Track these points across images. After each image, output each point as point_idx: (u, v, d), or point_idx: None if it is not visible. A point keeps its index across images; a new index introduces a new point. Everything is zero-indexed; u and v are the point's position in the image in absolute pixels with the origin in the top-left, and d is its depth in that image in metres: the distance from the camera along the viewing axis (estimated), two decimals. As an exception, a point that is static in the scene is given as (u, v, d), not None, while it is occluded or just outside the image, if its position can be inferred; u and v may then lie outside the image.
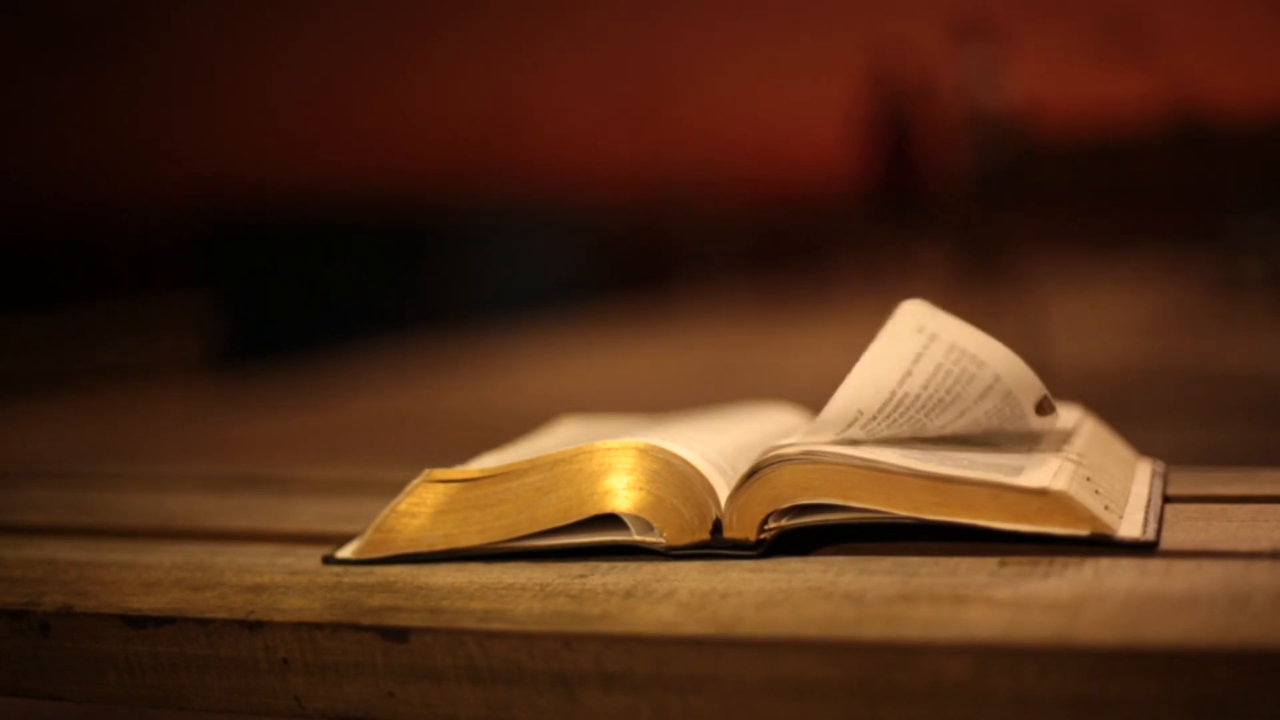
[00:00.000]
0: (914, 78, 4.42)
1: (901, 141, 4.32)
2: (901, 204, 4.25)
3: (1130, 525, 0.56)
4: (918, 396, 0.57)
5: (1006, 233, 4.18)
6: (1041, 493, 0.54)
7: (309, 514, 0.73)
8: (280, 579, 0.59)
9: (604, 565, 0.57)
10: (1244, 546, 0.53)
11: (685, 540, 0.57)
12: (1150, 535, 0.54)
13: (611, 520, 0.59)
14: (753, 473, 0.56)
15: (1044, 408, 0.60)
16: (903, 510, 0.55)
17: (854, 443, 0.57)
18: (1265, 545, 0.53)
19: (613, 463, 0.58)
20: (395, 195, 7.63)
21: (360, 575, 0.59)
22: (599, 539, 0.59)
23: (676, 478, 0.57)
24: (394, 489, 0.62)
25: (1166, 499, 0.61)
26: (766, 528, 0.57)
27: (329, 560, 0.61)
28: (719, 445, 0.62)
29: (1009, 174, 4.15)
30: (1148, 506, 0.59)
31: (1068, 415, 0.70)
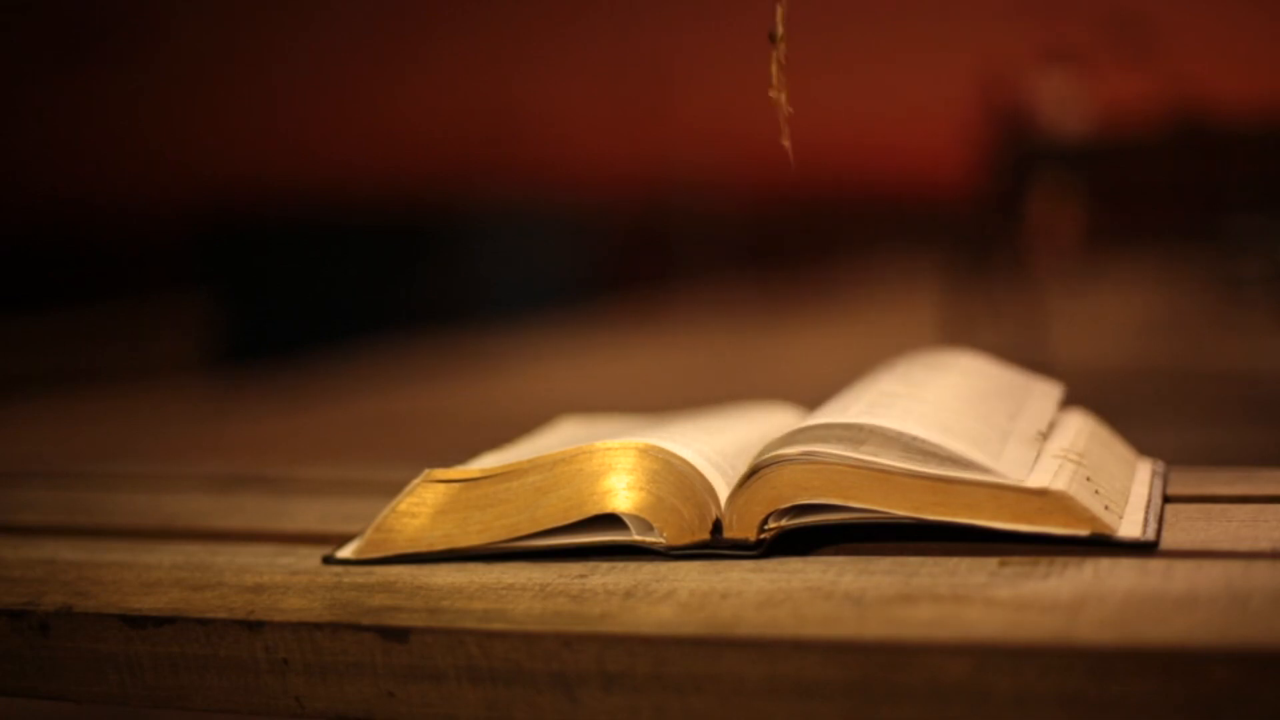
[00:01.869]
0: (1023, 97, 4.44)
1: (1015, 158, 4.34)
2: (1010, 215, 4.28)
3: (1130, 525, 0.56)
4: None
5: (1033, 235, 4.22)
6: (1041, 493, 0.54)
7: (309, 514, 0.73)
8: (280, 579, 0.59)
9: (604, 565, 0.57)
10: (1244, 546, 0.53)
11: (685, 540, 0.57)
12: (1150, 535, 0.54)
13: (611, 520, 0.59)
14: (753, 473, 0.56)
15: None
16: (903, 510, 0.55)
17: (855, 443, 0.57)
18: (1265, 545, 0.53)
19: (613, 463, 0.58)
20: (395, 195, 7.63)
21: (360, 575, 0.59)
22: (599, 539, 0.59)
23: (676, 478, 0.57)
24: (394, 489, 0.62)
25: (1166, 499, 0.61)
26: (766, 528, 0.57)
27: (329, 560, 0.61)
28: (719, 445, 0.62)
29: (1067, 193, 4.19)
30: (1148, 506, 0.59)
31: (1068, 417, 0.70)
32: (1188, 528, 0.56)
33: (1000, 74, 4.51)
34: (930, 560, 0.54)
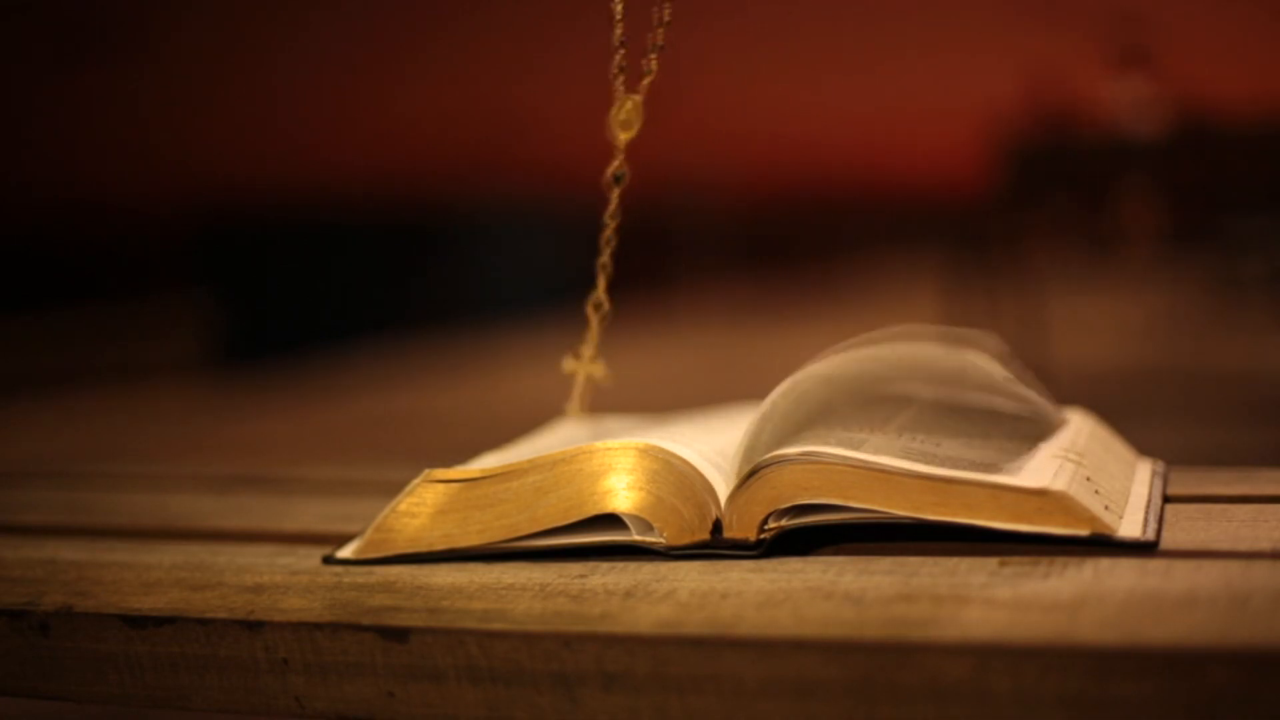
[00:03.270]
0: (1066, 102, 4.45)
1: (1037, 159, 4.36)
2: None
3: (1130, 525, 0.56)
4: None
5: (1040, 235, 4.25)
6: (1041, 493, 0.54)
7: (309, 514, 0.73)
8: (280, 579, 0.59)
9: (604, 565, 0.57)
10: (1244, 546, 0.53)
11: (685, 540, 0.57)
12: (1150, 535, 0.54)
13: (611, 520, 0.59)
14: (753, 473, 0.56)
15: None
16: (902, 510, 0.55)
17: (855, 443, 0.57)
18: (1265, 545, 0.53)
19: (613, 463, 0.58)
20: (395, 195, 7.63)
21: (360, 575, 0.59)
22: (599, 539, 0.59)
23: (676, 478, 0.57)
24: (394, 489, 0.62)
25: (1166, 499, 0.61)
26: (766, 528, 0.57)
27: (329, 560, 0.61)
28: (719, 445, 0.62)
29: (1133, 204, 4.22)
30: (1148, 506, 0.59)
31: (1067, 417, 0.70)
32: (1188, 528, 0.56)
33: (1041, 75, 4.52)
34: (930, 560, 0.54)
